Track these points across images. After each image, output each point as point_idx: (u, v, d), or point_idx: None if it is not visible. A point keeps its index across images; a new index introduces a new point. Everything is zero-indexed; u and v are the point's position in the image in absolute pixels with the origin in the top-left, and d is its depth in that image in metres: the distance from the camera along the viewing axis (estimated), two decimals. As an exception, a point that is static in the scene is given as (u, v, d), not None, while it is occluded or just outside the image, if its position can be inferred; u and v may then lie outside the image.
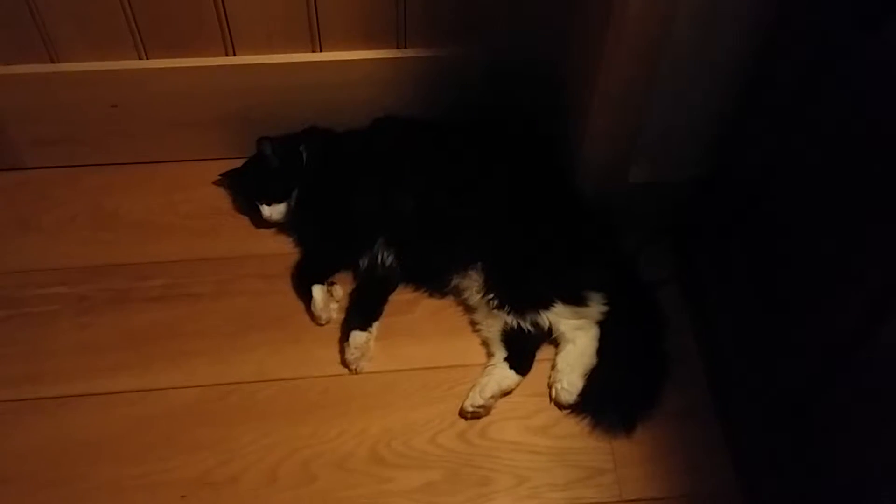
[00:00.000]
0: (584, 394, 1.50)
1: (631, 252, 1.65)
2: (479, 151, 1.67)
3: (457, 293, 1.62)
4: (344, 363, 1.55)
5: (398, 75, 1.68)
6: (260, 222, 1.72)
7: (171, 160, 1.81)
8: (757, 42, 1.39)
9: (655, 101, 1.50)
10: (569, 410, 1.51)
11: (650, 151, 1.57)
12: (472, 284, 1.58)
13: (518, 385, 1.53)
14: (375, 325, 1.59)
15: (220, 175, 1.76)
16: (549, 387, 1.53)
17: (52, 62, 1.60)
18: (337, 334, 1.59)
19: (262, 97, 1.69)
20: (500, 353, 1.54)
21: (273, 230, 1.73)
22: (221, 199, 1.78)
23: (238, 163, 1.76)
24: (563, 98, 1.66)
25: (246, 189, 1.72)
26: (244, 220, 1.75)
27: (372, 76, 1.68)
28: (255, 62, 1.64)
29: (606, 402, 1.51)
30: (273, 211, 1.68)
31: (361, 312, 1.59)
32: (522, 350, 1.55)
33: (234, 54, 1.63)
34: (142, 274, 1.66)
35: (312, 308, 1.59)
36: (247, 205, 1.73)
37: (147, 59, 1.62)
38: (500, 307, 1.54)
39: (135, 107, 1.69)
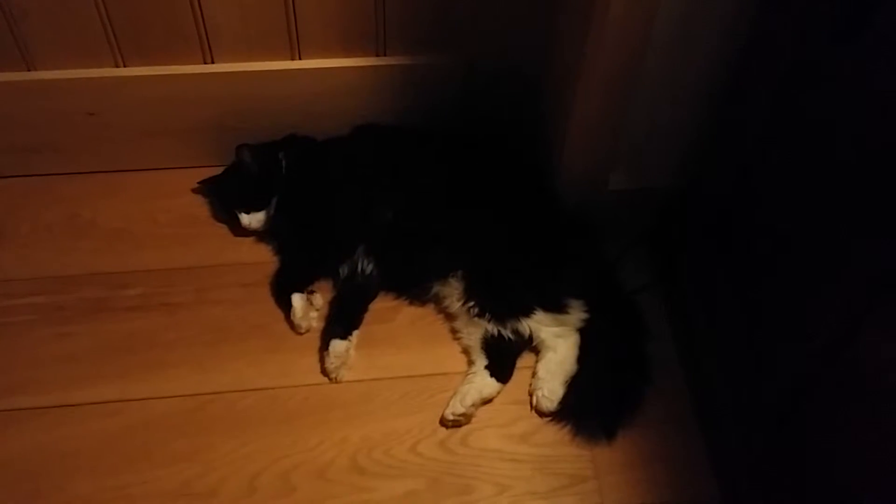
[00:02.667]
0: (565, 401, 1.50)
1: (611, 259, 1.65)
2: (460, 159, 1.67)
3: (437, 301, 1.61)
4: (324, 372, 1.54)
5: (378, 83, 1.67)
6: (239, 230, 1.71)
7: (149, 168, 1.80)
8: (735, 51, 1.39)
9: (635, 108, 1.50)
10: (550, 418, 1.50)
11: (630, 159, 1.58)
12: (452, 292, 1.57)
13: (499, 393, 1.52)
14: (356, 333, 1.58)
15: (198, 183, 1.75)
16: (530, 394, 1.52)
17: (28, 70, 1.59)
18: (317, 343, 1.58)
19: (241, 105, 1.69)
20: (481, 361, 1.53)
21: (252, 238, 1.72)
22: (200, 207, 1.77)
23: (217, 171, 1.75)
24: (544, 105, 1.66)
25: (225, 197, 1.71)
26: (223, 229, 1.74)
27: (351, 84, 1.67)
28: (234, 70, 1.63)
29: (587, 409, 1.50)
30: (252, 219, 1.67)
31: (341, 321, 1.58)
32: (503, 358, 1.54)
33: (213, 62, 1.62)
34: (120, 283, 1.65)
35: (292, 317, 1.58)
36: (225, 213, 1.72)
37: (125, 66, 1.61)
38: (480, 315, 1.54)
39: (113, 115, 1.68)
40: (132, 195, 1.78)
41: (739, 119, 1.43)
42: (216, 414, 1.50)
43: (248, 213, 1.67)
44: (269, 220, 1.69)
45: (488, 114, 1.71)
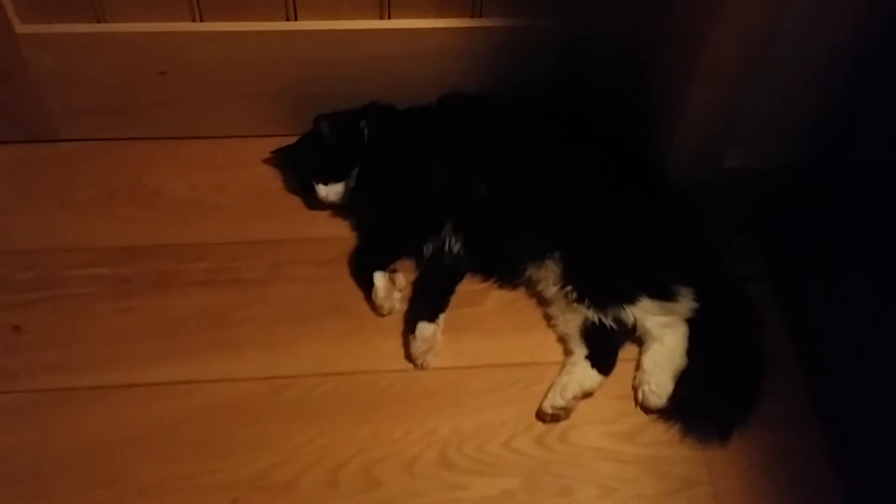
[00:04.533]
0: (674, 397, 1.38)
1: (720, 244, 1.52)
2: (558, 132, 1.55)
3: (530, 284, 1.49)
4: (409, 357, 1.43)
5: (471, 47, 1.55)
6: (314, 203, 1.59)
7: (219, 136, 1.68)
8: (876, 25, 1.26)
9: (761, 81, 1.37)
10: (657, 415, 1.39)
11: (750, 135, 1.45)
12: (548, 275, 1.46)
13: (600, 386, 1.40)
14: (442, 316, 1.46)
15: (271, 152, 1.63)
16: (635, 389, 1.41)
17: (97, 21, 1.47)
18: (400, 326, 1.47)
19: (323, 68, 1.56)
20: (581, 351, 1.41)
21: (328, 212, 1.60)
22: (273, 178, 1.65)
23: (291, 141, 1.63)
24: (652, 76, 1.53)
25: (300, 167, 1.59)
26: (297, 202, 1.62)
27: (442, 47, 1.55)
28: (318, 28, 1.51)
29: (699, 406, 1.38)
30: (330, 191, 1.56)
31: (427, 303, 1.47)
32: (604, 348, 1.42)
33: (296, 19, 1.50)
34: (186, 256, 1.53)
35: (373, 297, 1.47)
36: (301, 185, 1.60)
37: (201, 21, 1.49)
38: (579, 301, 1.42)
39: (184, 74, 1.56)
40: (201, 164, 1.66)
41: (879, 96, 1.29)
42: (292, 399, 1.39)
43: (325, 184, 1.55)
44: (348, 193, 1.57)
45: (585, 85, 1.59)
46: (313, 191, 1.57)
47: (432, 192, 1.51)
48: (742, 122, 1.44)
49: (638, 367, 1.41)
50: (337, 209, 1.60)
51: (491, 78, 1.58)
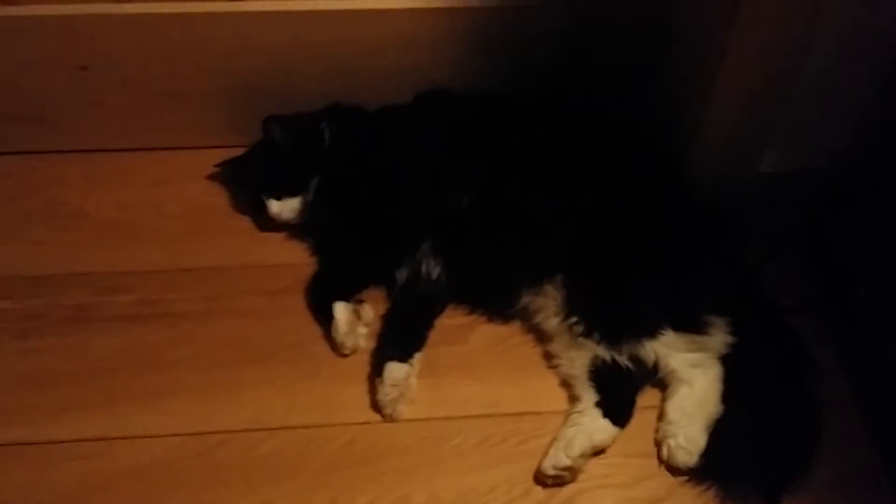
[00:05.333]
0: (708, 454, 1.13)
1: (757, 266, 1.26)
2: (560, 133, 1.31)
3: (527, 316, 1.26)
4: (375, 406, 1.19)
5: (453, 32, 1.32)
6: (266, 224, 1.36)
7: (155, 147, 1.46)
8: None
9: (801, 70, 1.15)
10: (687, 477, 1.14)
11: (790, 133, 1.22)
12: (548, 304, 1.22)
13: (614, 440, 1.15)
14: (417, 356, 1.22)
15: (215, 165, 1.40)
16: (658, 444, 1.16)
17: (2, 3, 1.27)
18: (365, 369, 1.23)
19: (275, 60, 1.35)
20: (590, 397, 1.17)
21: (283, 235, 1.37)
22: (217, 196, 1.42)
23: (239, 153, 1.40)
24: (672, 66, 1.30)
25: (249, 181, 1.36)
26: (245, 222, 1.39)
27: (419, 32, 1.32)
28: (268, 9, 1.30)
29: (739, 465, 1.14)
30: (283, 207, 1.32)
31: (399, 340, 1.23)
32: (618, 393, 1.17)
33: (241, -3, 1.29)
34: (110, 286, 1.31)
35: (333, 332, 1.23)
36: (250, 202, 1.37)
37: (129, 1, 1.28)
38: (587, 335, 1.18)
39: (110, 68, 1.34)
40: (132, 180, 1.44)
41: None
42: (229, 460, 1.15)
43: (278, 199, 1.32)
44: (306, 210, 1.34)
45: (589, 79, 1.35)
46: (265, 208, 1.33)
47: (406, 206, 1.27)
48: (780, 118, 1.20)
49: (662, 416, 1.18)
50: (293, 230, 1.37)
51: (476, 70, 1.36)
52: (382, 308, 1.28)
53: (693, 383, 1.16)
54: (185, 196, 1.41)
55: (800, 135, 1.22)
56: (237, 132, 1.40)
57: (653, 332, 1.16)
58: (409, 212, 1.26)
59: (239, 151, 1.39)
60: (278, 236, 1.36)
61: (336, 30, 1.31)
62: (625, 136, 1.31)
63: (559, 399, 1.20)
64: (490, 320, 1.27)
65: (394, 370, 1.17)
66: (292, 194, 1.32)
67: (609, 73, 1.35)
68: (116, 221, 1.38)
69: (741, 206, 1.24)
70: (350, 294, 1.25)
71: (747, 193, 1.24)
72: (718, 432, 1.13)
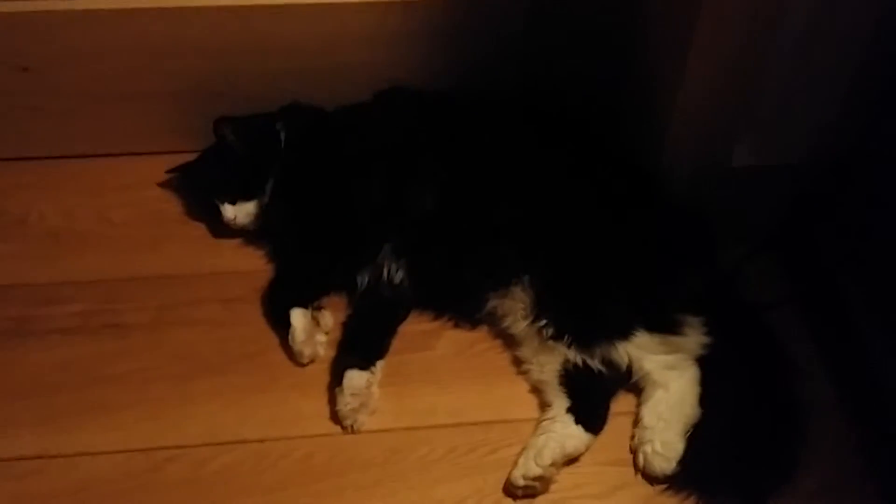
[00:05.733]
0: (687, 461, 1.07)
1: (735, 264, 1.21)
2: (526, 132, 1.25)
3: (494, 320, 1.19)
4: (335, 417, 1.12)
5: (411, 26, 1.27)
6: (220, 229, 1.29)
7: (103, 153, 1.39)
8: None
9: (773, 57, 1.10)
10: (665, 485, 1.08)
11: (763, 125, 1.17)
12: (515, 307, 1.16)
13: (588, 448, 1.09)
14: (380, 364, 1.15)
15: (167, 171, 1.33)
16: (634, 451, 1.10)
17: None
18: (324, 378, 1.16)
19: (227, 57, 1.28)
20: (561, 402, 1.10)
21: (238, 241, 1.30)
22: (169, 202, 1.35)
23: (192, 157, 1.33)
24: (640, 55, 1.24)
25: (202, 186, 1.29)
26: (199, 229, 1.32)
27: (376, 27, 1.27)
28: (218, 4, 1.23)
29: (719, 472, 1.07)
30: (238, 212, 1.26)
31: (360, 347, 1.16)
32: (591, 398, 1.11)
33: (190, -8, 1.22)
34: (52, 297, 1.23)
35: (291, 340, 1.16)
36: (204, 207, 1.31)
37: (73, -4, 1.22)
38: (557, 337, 1.12)
39: (53, 70, 1.28)
40: (78, 187, 1.36)
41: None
42: (178, 477, 1.07)
43: (233, 203, 1.26)
44: (262, 214, 1.27)
45: (560, 71, 1.31)
46: (219, 213, 1.26)
47: (366, 208, 1.20)
48: (752, 109, 1.15)
49: (637, 422, 1.11)
50: (249, 237, 1.30)
51: (437, 67, 1.30)
52: (343, 315, 1.21)
53: (669, 386, 1.10)
54: (135, 203, 1.34)
55: (773, 127, 1.17)
56: (189, 137, 1.33)
57: (625, 334, 1.10)
58: (368, 214, 1.19)
59: (191, 157, 1.32)
60: (233, 243, 1.29)
61: (290, 24, 1.25)
62: (592, 134, 1.25)
63: (529, 406, 1.13)
64: (456, 326, 1.21)
65: (354, 378, 1.11)
66: (247, 198, 1.25)
67: (574, 68, 1.30)
68: (60, 231, 1.31)
69: (716, 204, 1.18)
70: (308, 300, 1.18)
71: (721, 190, 1.18)
72: (697, 438, 1.07)
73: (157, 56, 1.27)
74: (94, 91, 1.30)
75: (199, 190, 1.30)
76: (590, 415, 1.09)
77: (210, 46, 1.26)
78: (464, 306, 1.19)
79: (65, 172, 1.37)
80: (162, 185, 1.35)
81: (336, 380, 1.12)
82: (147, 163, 1.36)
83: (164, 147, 1.36)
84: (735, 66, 1.09)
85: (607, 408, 1.11)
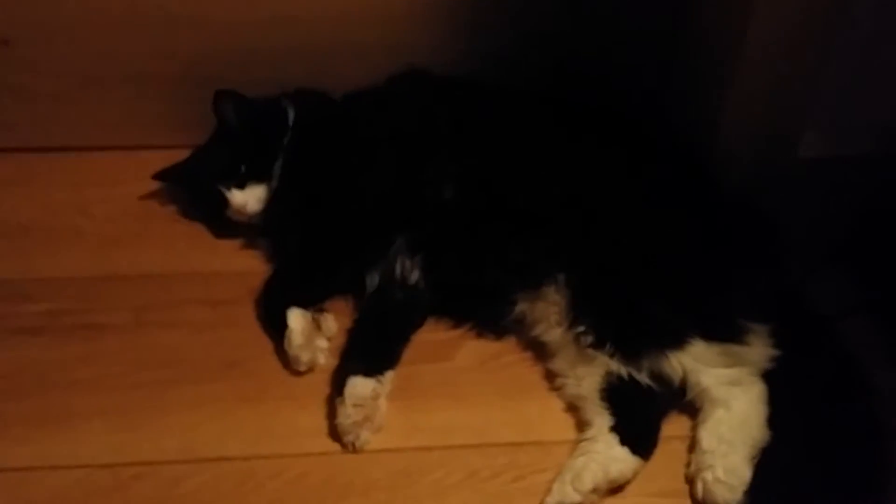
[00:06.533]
0: (754, 490, 0.90)
1: (804, 270, 1.05)
2: (558, 116, 1.11)
3: (523, 328, 1.04)
4: (335, 433, 0.96)
5: (431, 7, 1.16)
6: (225, 227, 1.16)
7: (86, 147, 1.26)
8: None
9: (842, 33, 0.97)
10: None
11: (833, 110, 1.04)
12: (548, 311, 1.01)
13: (635, 474, 0.93)
14: (389, 374, 1.00)
15: (154, 177, 1.17)
16: (692, 480, 0.94)
17: None
18: (324, 390, 1.01)
19: (229, 36, 1.17)
20: (603, 420, 0.95)
21: (230, 240, 1.16)
22: (155, 198, 1.22)
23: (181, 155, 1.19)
24: (689, 35, 1.12)
25: (202, 176, 1.14)
26: (188, 227, 1.19)
27: (389, 6, 1.15)
28: None
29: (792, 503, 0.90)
30: (248, 196, 1.12)
31: (367, 352, 1.01)
32: (638, 415, 0.96)
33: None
34: (16, 295, 1.10)
35: (287, 344, 1.01)
36: (201, 204, 1.16)
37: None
38: (597, 346, 0.97)
39: (36, 44, 1.16)
40: (55, 181, 1.24)
41: None
42: (145, 498, 0.92)
43: (241, 187, 1.11)
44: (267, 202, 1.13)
45: (598, 53, 1.17)
46: (225, 204, 1.12)
47: (377, 194, 1.06)
48: (820, 92, 1.01)
49: (694, 446, 0.96)
50: (246, 235, 1.15)
51: (456, 50, 1.18)
52: (349, 321, 1.05)
53: (730, 405, 0.94)
54: (117, 198, 1.21)
55: (845, 113, 1.03)
56: (180, 130, 1.21)
57: (679, 342, 0.95)
58: (380, 202, 1.05)
59: (182, 154, 1.17)
60: (225, 242, 1.16)
61: (300, 3, 1.13)
62: (631, 120, 1.11)
63: (563, 427, 0.98)
64: (479, 335, 1.06)
65: (358, 385, 0.95)
66: (258, 180, 1.11)
67: (613, 49, 1.17)
68: (33, 225, 1.18)
69: (780, 199, 1.04)
70: (310, 300, 1.04)
71: (786, 183, 1.04)
72: (764, 463, 0.91)
73: (150, 30, 1.16)
74: (80, 71, 1.19)
75: (199, 182, 1.14)
76: (637, 435, 0.93)
77: (210, 22, 1.15)
78: (488, 310, 1.04)
79: (42, 165, 1.25)
80: (148, 180, 1.18)
81: (337, 390, 0.97)
82: (134, 159, 1.23)
83: (152, 141, 1.24)
84: (801, 33, 0.97)
85: (658, 428, 0.95)
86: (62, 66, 1.18)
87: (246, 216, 1.12)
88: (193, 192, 1.17)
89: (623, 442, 0.92)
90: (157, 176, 1.17)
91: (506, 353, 1.05)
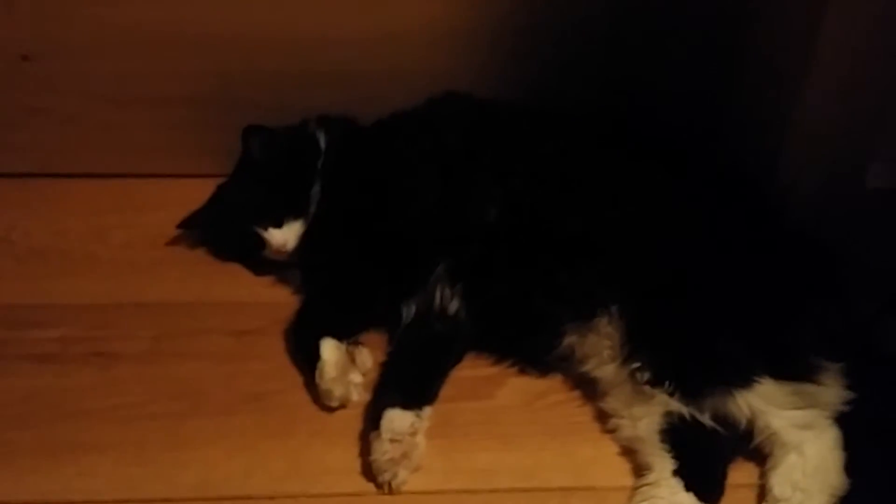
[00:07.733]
0: None
1: (875, 310, 0.98)
2: (611, 140, 1.05)
3: (572, 363, 0.97)
4: (369, 472, 0.89)
5: (470, 26, 1.10)
6: (264, 265, 1.08)
7: (106, 174, 1.21)
8: None
9: None
10: None
11: None
12: (600, 345, 0.94)
13: None
14: (427, 409, 0.92)
15: (178, 226, 1.10)
16: None
17: None
18: (356, 426, 0.94)
19: (257, 56, 1.11)
20: (664, 464, 0.87)
21: (271, 277, 1.09)
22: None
23: (205, 183, 1.12)
24: (748, 63, 1.06)
25: (232, 219, 1.07)
26: (206, 254, 1.12)
27: (430, 27, 1.10)
28: None
29: None
30: (288, 234, 1.05)
31: (404, 385, 0.93)
32: (703, 459, 0.87)
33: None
34: (27, 321, 1.04)
35: (318, 377, 0.93)
36: (239, 247, 1.09)
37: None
38: (655, 384, 0.89)
39: (59, 61, 1.11)
40: (72, 207, 1.19)
41: None
42: None
43: (278, 225, 1.04)
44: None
45: (648, 78, 1.12)
46: (262, 246, 1.05)
47: (416, 219, 0.99)
48: (889, 123, 0.96)
49: (766, 495, 0.88)
50: (279, 267, 1.08)
51: (499, 73, 1.13)
52: (383, 357, 0.98)
53: (803, 449, 0.86)
54: (137, 225, 1.15)
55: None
56: (206, 156, 1.15)
57: (746, 381, 0.87)
58: (419, 227, 0.99)
59: (205, 182, 1.11)
60: (249, 272, 1.08)
61: (336, 22, 1.08)
62: (686, 146, 1.05)
63: (618, 472, 0.90)
64: (523, 371, 0.99)
65: (395, 419, 0.88)
66: (295, 215, 1.04)
67: (665, 74, 1.11)
68: (47, 250, 1.13)
69: (845, 232, 0.97)
70: (345, 332, 0.97)
71: (852, 217, 0.97)
72: (846, 516, 0.82)
73: (175, 52, 1.10)
74: (101, 92, 1.13)
75: (227, 227, 1.08)
76: (703, 481, 0.85)
77: (235, 40, 1.09)
78: (533, 344, 0.96)
79: (59, 190, 1.19)
80: (170, 208, 1.11)
81: (372, 424, 0.89)
82: (154, 186, 1.18)
83: (176, 169, 1.19)
84: (867, 62, 0.91)
85: (724, 474, 0.87)
86: (82, 86, 1.12)
87: (285, 254, 1.05)
88: (224, 236, 1.09)
89: (688, 488, 0.84)
90: (182, 225, 1.11)
91: (552, 392, 0.97)
